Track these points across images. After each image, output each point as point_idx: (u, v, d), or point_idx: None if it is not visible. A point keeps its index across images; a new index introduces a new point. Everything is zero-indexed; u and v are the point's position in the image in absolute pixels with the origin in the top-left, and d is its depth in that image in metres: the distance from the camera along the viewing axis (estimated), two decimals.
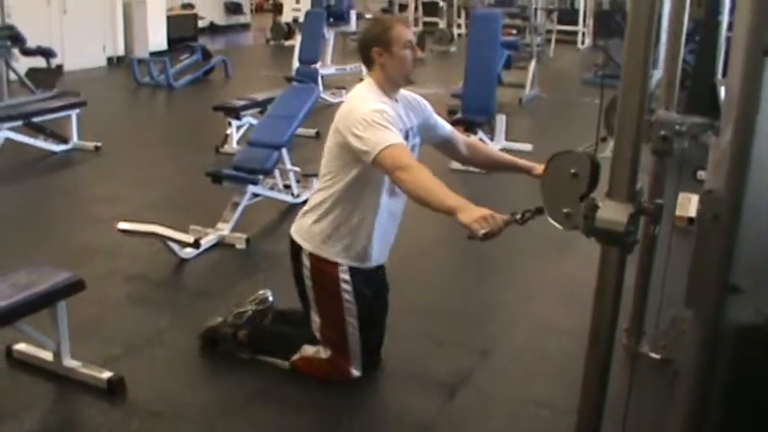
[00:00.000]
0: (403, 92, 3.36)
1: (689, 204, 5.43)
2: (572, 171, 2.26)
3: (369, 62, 3.27)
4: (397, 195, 3.28)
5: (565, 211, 2.27)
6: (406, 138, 3.22)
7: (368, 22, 3.42)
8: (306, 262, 3.31)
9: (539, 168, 3.32)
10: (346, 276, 3.28)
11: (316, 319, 3.38)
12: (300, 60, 10.44)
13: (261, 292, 3.78)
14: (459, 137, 3.63)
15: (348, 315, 3.31)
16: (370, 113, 3.04)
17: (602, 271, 2.30)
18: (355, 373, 3.39)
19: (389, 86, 3.26)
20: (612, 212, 2.13)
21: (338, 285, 3.28)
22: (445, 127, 3.57)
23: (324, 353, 3.39)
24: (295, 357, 3.46)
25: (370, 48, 3.23)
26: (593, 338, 2.38)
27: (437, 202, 2.81)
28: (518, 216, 2.71)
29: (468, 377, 3.51)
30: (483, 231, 2.62)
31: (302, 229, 3.33)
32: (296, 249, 3.35)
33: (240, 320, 3.61)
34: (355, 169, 3.15)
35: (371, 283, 3.39)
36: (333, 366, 3.38)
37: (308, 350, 3.43)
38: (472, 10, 7.89)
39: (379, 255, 3.38)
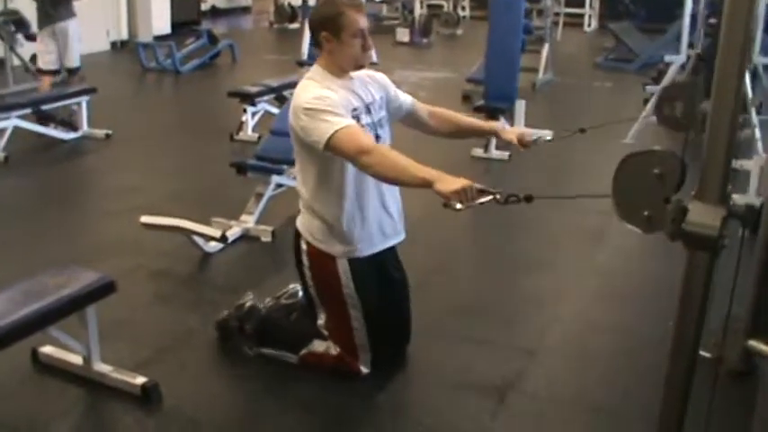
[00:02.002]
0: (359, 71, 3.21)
1: None
2: (656, 171, 2.10)
3: (318, 45, 3.11)
4: None
5: (646, 213, 2.11)
6: (368, 112, 3.13)
7: (320, 2, 3.24)
8: (305, 260, 3.23)
9: (507, 132, 3.31)
10: (346, 269, 3.17)
11: (321, 314, 3.29)
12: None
13: (291, 286, 3.66)
14: (422, 107, 3.46)
15: (352, 309, 3.20)
16: (311, 101, 2.93)
17: (688, 277, 2.13)
18: (364, 369, 3.27)
19: (338, 71, 3.10)
20: (704, 216, 1.98)
21: (338, 279, 3.18)
22: (407, 99, 3.41)
23: (334, 349, 3.28)
24: (304, 352, 3.34)
25: (320, 31, 3.06)
26: (675, 349, 2.22)
27: (410, 177, 2.73)
28: (498, 196, 2.57)
29: (517, 380, 3.36)
30: (460, 206, 2.56)
31: (301, 222, 3.25)
32: (297, 241, 3.26)
33: (241, 312, 3.49)
34: (319, 158, 3.02)
35: (377, 268, 3.28)
36: (341, 362, 3.27)
37: (319, 346, 3.32)
38: None
39: (381, 236, 3.26)
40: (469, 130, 3.54)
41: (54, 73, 7.99)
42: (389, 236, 3.30)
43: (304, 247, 3.21)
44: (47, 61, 7.86)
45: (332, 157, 2.97)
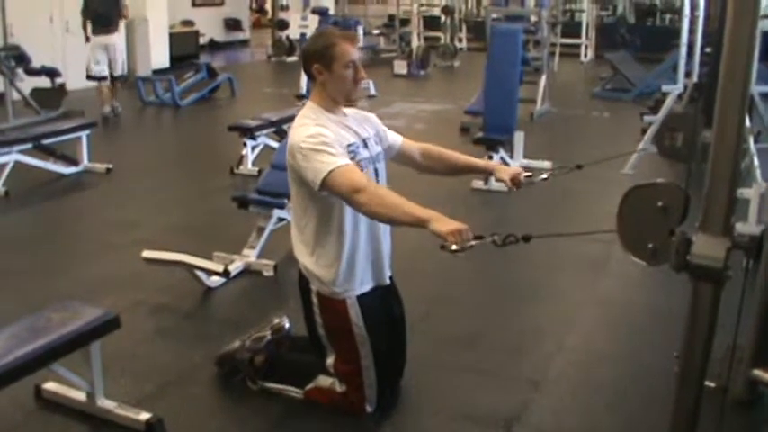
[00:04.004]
0: (350, 109, 3.23)
1: None
2: (659, 204, 2.11)
3: (310, 77, 3.13)
4: None
5: (651, 246, 2.12)
6: (366, 146, 3.14)
7: (313, 35, 3.24)
8: (315, 305, 3.20)
9: (502, 173, 3.30)
10: (357, 310, 3.15)
11: (329, 355, 3.27)
12: None
13: (276, 319, 3.63)
14: (413, 145, 3.46)
15: (361, 347, 3.18)
16: (306, 140, 2.92)
17: (693, 308, 2.14)
18: (368, 408, 3.26)
19: (331, 104, 3.12)
20: (709, 247, 2.00)
21: (349, 320, 3.15)
22: (396, 138, 3.42)
23: (339, 386, 3.27)
24: (309, 387, 3.33)
25: (311, 64, 3.07)
26: (682, 380, 2.22)
27: (404, 215, 2.73)
28: (496, 238, 2.58)
29: (523, 412, 3.34)
30: (455, 248, 2.55)
31: (305, 267, 3.20)
32: (305, 285, 3.23)
33: (258, 345, 3.48)
34: (319, 197, 3.01)
35: (383, 303, 3.27)
36: (347, 401, 3.26)
37: (324, 381, 3.31)
38: (492, 26, 7.71)
39: (381, 271, 3.26)
40: (464, 169, 3.53)
41: (102, 79, 9.44)
42: (386, 267, 3.31)
43: (314, 289, 3.18)
44: (97, 70, 9.37)
45: (330, 195, 2.97)
